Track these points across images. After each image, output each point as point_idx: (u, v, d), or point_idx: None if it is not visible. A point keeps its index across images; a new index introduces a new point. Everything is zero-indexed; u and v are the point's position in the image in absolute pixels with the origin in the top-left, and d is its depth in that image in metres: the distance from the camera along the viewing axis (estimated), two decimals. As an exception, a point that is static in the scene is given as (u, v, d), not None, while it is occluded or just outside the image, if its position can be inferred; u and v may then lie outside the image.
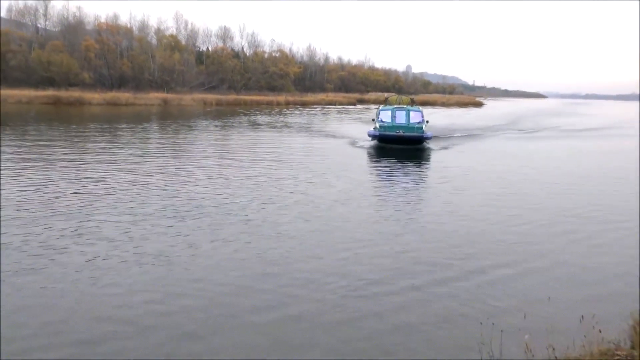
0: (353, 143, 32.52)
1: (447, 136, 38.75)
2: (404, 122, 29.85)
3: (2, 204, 13.93)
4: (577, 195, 18.00)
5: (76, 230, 11.98)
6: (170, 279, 9.37)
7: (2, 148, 26.05)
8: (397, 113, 30.60)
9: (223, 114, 61.30)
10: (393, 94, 45.38)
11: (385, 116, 30.64)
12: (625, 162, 28.12)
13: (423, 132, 28.95)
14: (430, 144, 30.19)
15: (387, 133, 28.77)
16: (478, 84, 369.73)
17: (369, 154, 28.03)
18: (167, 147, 29.33)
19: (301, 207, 14.89)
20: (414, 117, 30.32)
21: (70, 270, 9.58)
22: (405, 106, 32.74)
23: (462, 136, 39.18)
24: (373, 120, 32.41)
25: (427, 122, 31.41)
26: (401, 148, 28.80)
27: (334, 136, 36.88)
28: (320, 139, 34.92)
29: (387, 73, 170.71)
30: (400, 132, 28.36)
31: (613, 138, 44.21)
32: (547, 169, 24.08)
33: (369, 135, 30.30)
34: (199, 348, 7.01)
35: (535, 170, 23.55)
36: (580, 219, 14.67)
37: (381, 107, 33.29)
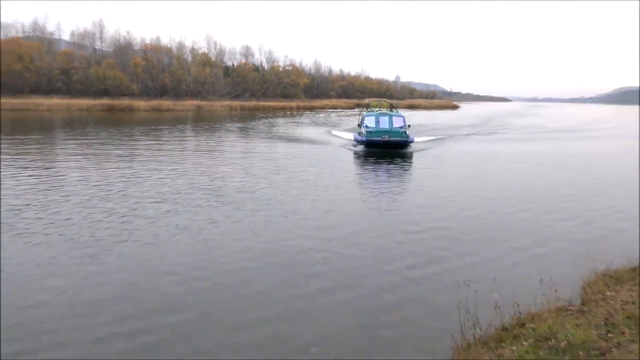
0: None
1: (429, 132, 38.12)
2: (387, 127, 26.60)
3: (69, 188, 14.00)
4: (536, 188, 17.90)
5: (123, 212, 12.01)
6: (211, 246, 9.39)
7: (70, 145, 26.13)
8: (381, 119, 27.34)
9: (246, 117, 61.24)
10: (375, 99, 40.34)
11: (370, 122, 27.33)
12: (568, 160, 27.91)
13: (407, 136, 25.98)
14: (412, 146, 26.83)
15: (373, 138, 25.42)
16: (455, 90, 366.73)
17: (356, 154, 25.34)
18: (201, 143, 29.35)
19: (304, 187, 14.85)
20: (397, 122, 27.19)
21: (113, 241, 9.62)
22: (387, 112, 29.60)
23: (439, 138, 34.71)
24: (358, 125, 29.35)
25: (409, 126, 28.13)
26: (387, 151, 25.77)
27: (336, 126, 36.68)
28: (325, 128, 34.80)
29: (380, 82, 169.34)
30: (386, 137, 25.14)
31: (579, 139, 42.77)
32: (513, 167, 23.85)
33: (356, 140, 27.35)
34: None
35: (501, 166, 23.39)
36: (538, 205, 14.61)
37: (365, 113, 29.94)
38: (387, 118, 27.23)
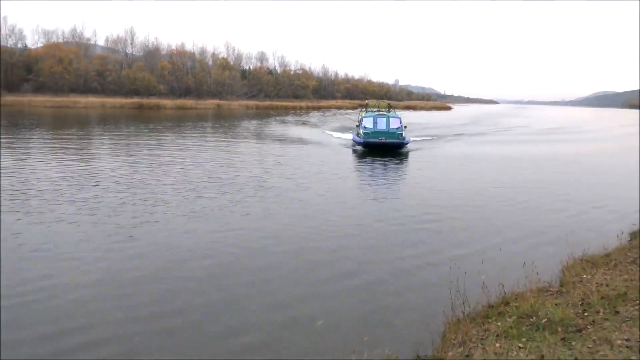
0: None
1: (425, 130, 37.68)
2: (385, 128, 24.77)
3: (103, 175, 14.06)
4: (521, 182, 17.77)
5: (147, 196, 12.04)
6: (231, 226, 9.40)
7: (103, 139, 26.23)
8: (378, 120, 25.39)
9: (260, 115, 61.16)
10: (374, 100, 36.67)
11: (368, 123, 25.32)
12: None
13: (403, 138, 24.32)
14: (408, 147, 24.78)
15: (371, 140, 23.68)
16: (448, 93, 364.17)
17: (355, 152, 23.91)
18: (221, 136, 29.35)
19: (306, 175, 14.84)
20: (393, 123, 25.26)
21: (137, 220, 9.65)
22: (385, 113, 27.45)
23: (434, 138, 32.61)
24: (357, 126, 27.25)
25: (405, 127, 26.20)
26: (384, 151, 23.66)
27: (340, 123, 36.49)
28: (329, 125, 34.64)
29: (381, 85, 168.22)
30: (383, 139, 23.47)
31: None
32: (501, 165, 23.53)
33: (354, 141, 25.65)
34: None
35: (489, 165, 23.16)
36: (523, 199, 14.54)
37: (363, 114, 27.64)
38: (384, 119, 25.46)
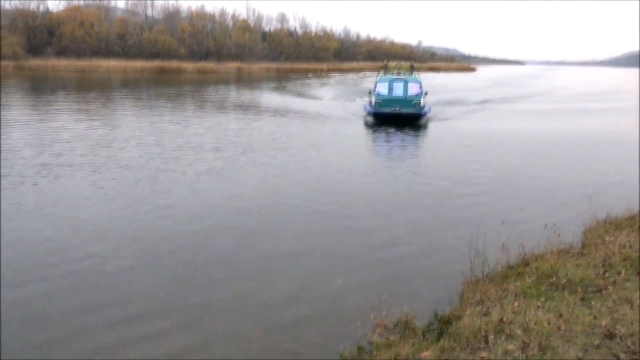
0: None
1: (447, 94, 34.51)
2: (402, 94, 21.01)
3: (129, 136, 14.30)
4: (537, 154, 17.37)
5: (165, 153, 12.23)
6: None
7: (127, 101, 26.49)
8: (395, 85, 21.47)
9: (281, 78, 60.69)
10: (393, 61, 30.62)
11: (382, 88, 21.50)
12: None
13: (421, 107, 20.50)
14: (428, 117, 21.51)
15: (382, 110, 20.23)
16: (473, 54, 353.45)
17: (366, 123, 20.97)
18: (242, 99, 29.35)
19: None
20: (412, 89, 21.35)
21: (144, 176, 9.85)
22: (403, 77, 22.76)
23: (456, 105, 28.36)
24: (369, 92, 23.11)
25: (426, 93, 22.33)
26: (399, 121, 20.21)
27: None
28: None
29: (404, 46, 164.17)
30: (397, 109, 19.87)
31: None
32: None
33: (365, 111, 21.97)
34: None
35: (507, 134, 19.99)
36: (546, 162, 14.30)
37: (378, 77, 23.39)
38: (401, 84, 21.55)
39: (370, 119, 21.22)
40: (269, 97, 32.26)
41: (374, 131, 19.09)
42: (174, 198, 9.26)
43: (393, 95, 21.03)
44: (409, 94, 21.08)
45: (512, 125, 21.33)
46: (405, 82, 21.70)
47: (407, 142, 16.64)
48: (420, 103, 20.64)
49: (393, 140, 17.21)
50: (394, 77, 22.64)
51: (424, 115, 20.70)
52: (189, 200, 9.16)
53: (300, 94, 34.62)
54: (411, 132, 18.64)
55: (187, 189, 9.85)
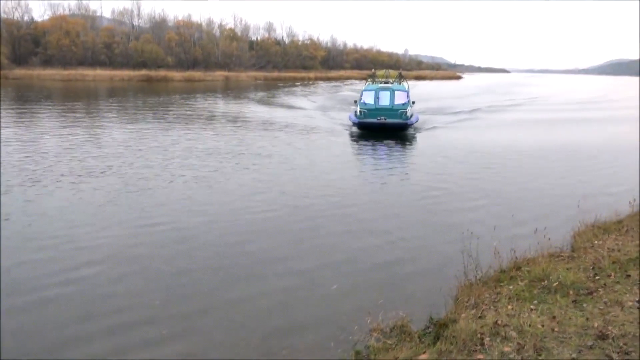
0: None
1: (432, 102, 34.30)
2: (388, 103, 20.37)
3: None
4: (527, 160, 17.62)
5: (161, 159, 12.22)
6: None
7: (113, 113, 26.34)
8: (381, 94, 20.77)
9: (268, 86, 60.78)
10: (381, 69, 30.15)
11: (368, 97, 20.83)
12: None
13: (407, 117, 19.71)
14: (415, 128, 20.63)
15: (367, 120, 19.39)
16: (458, 62, 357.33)
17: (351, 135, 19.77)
18: (230, 107, 29.37)
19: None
20: (399, 98, 20.67)
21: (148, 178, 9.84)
22: (389, 85, 22.31)
23: (444, 114, 28.00)
24: (355, 102, 21.75)
25: (414, 102, 21.79)
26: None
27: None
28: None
29: (390, 55, 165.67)
30: (382, 119, 19.06)
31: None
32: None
33: (350, 121, 20.76)
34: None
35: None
36: (535, 168, 14.52)
37: (365, 86, 23.02)
38: (387, 93, 20.89)
39: (355, 129, 20.32)
40: (255, 108, 32.22)
41: (358, 143, 18.17)
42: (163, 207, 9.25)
43: (379, 104, 20.36)
44: (395, 104, 20.44)
45: (503, 135, 20.64)
46: (392, 91, 21.05)
47: (395, 152, 16.46)
48: (407, 112, 19.91)
49: (379, 150, 16.68)
50: (380, 86, 21.96)
51: (411, 125, 19.84)
52: (178, 213, 9.16)
53: (285, 105, 33.82)
54: (398, 143, 17.90)
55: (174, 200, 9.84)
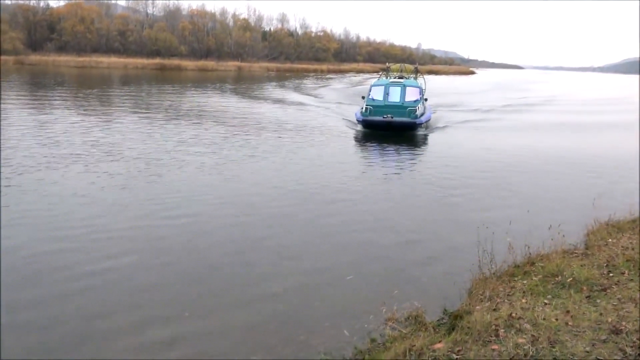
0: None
1: (446, 97, 33.27)
2: (398, 100, 18.63)
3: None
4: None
5: (171, 145, 12.39)
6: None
7: (128, 99, 26.59)
8: (391, 89, 19.09)
9: (280, 77, 60.85)
10: (395, 63, 28.20)
11: (377, 93, 19.21)
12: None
13: (416, 116, 17.91)
14: (426, 126, 19.20)
15: (371, 118, 17.76)
16: (472, 57, 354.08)
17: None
18: (241, 96, 29.49)
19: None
20: (411, 95, 18.98)
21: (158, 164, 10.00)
22: (402, 81, 20.45)
23: (457, 110, 26.57)
24: (363, 97, 19.96)
25: (427, 99, 20.43)
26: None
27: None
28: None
29: (403, 49, 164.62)
30: (389, 117, 17.25)
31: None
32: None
33: (355, 119, 18.97)
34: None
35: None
36: (551, 165, 14.50)
37: (375, 80, 21.48)
38: (398, 89, 19.11)
39: (360, 127, 18.70)
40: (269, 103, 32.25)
41: (363, 144, 16.82)
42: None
43: (389, 101, 18.67)
44: (406, 100, 18.67)
45: (522, 139, 18.29)
46: (403, 87, 19.21)
47: (404, 152, 15.45)
48: (416, 111, 18.14)
49: (387, 149, 15.70)
50: (390, 81, 20.36)
51: (420, 124, 18.15)
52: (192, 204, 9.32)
53: (297, 102, 30.73)
54: (404, 145, 16.24)
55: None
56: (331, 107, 26.55)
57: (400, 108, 18.15)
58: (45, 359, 4.58)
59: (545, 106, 33.92)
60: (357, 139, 17.41)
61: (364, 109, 18.42)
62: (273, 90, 39.20)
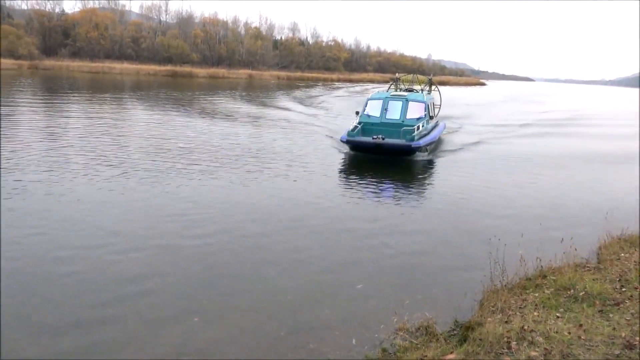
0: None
1: (455, 108, 31.18)
2: (398, 117, 15.73)
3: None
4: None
5: (177, 152, 12.50)
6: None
7: (139, 104, 26.85)
8: (391, 104, 16.08)
9: (291, 86, 61.14)
10: (406, 74, 24.44)
11: (374, 108, 16.26)
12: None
13: (412, 137, 14.47)
14: (427, 150, 15.60)
15: (358, 139, 14.72)
16: (482, 69, 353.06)
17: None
18: (252, 104, 29.66)
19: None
20: (413, 111, 15.96)
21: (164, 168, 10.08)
22: (405, 94, 17.09)
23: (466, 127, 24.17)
24: (357, 113, 16.69)
25: (432, 117, 17.53)
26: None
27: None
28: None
29: (413, 59, 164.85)
30: (380, 138, 14.15)
31: None
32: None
33: (340, 139, 15.20)
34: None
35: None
36: (563, 177, 14.43)
37: (372, 94, 18.42)
38: (399, 104, 16.11)
39: (346, 150, 15.47)
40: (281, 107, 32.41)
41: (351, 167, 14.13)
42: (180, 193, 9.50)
43: (386, 118, 15.86)
44: (407, 118, 15.78)
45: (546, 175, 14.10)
46: (406, 101, 16.21)
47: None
48: (414, 131, 14.83)
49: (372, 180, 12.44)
50: (391, 94, 17.32)
51: (418, 148, 14.54)
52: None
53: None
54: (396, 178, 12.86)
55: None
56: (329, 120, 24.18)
57: (397, 127, 15.32)
58: (45, 359, 4.60)
59: (574, 126, 28.72)
60: (343, 164, 14.22)
61: (351, 127, 15.47)
62: (281, 98, 39.43)
